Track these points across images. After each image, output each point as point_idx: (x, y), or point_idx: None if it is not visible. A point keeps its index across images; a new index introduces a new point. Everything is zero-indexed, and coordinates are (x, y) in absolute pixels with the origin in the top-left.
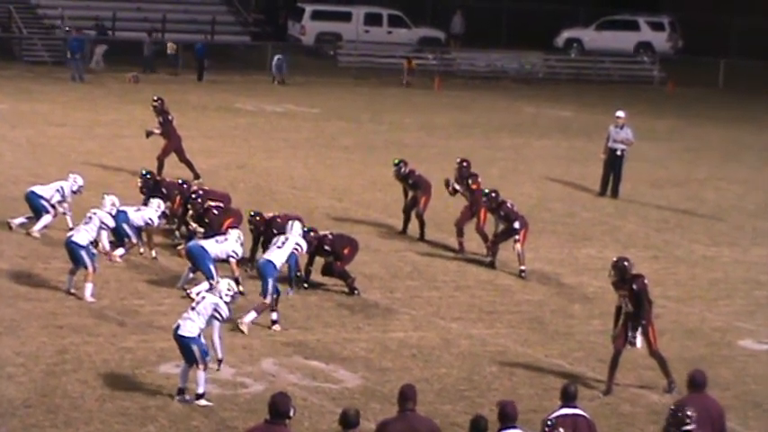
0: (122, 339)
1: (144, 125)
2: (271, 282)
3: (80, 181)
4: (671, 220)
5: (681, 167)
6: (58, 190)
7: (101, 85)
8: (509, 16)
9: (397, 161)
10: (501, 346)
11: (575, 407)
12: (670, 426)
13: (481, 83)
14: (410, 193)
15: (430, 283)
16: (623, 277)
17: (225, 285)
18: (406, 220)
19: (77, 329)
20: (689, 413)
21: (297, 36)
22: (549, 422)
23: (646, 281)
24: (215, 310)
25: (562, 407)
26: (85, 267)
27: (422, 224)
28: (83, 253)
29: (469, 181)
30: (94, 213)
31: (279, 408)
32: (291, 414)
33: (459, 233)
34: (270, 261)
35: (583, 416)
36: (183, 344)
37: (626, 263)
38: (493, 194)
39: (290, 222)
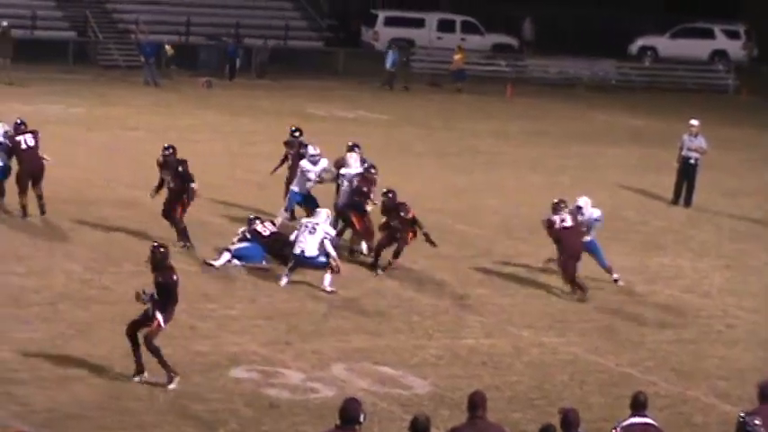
0: (193, 343)
1: (217, 130)
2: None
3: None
4: (744, 229)
5: (755, 176)
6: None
7: (174, 90)
8: (582, 23)
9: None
10: (572, 355)
11: (644, 416)
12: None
13: (553, 90)
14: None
15: (501, 291)
16: None
17: None
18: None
19: None
20: (756, 422)
21: (370, 42)
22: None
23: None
24: None
25: (632, 416)
26: (324, 267)
27: None
28: (320, 260)
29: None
30: (317, 224)
31: (349, 413)
32: (362, 420)
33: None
34: None
35: (653, 425)
36: None
37: None
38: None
39: None
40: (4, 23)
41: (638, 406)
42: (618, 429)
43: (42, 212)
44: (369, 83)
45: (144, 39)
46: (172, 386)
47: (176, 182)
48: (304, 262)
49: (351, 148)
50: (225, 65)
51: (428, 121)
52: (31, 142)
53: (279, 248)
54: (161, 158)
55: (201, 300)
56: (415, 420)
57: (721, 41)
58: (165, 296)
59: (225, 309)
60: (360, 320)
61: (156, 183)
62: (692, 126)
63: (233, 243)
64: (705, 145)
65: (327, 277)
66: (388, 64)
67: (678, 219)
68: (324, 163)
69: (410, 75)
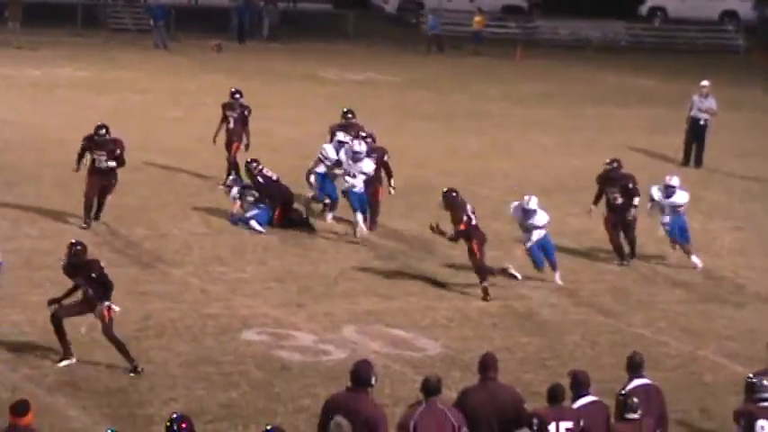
0: (205, 306)
1: (226, 93)
2: None
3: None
4: (755, 190)
5: (766, 137)
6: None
7: (184, 54)
8: None
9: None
10: (583, 316)
11: (643, 377)
12: (746, 395)
13: (563, 52)
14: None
15: (511, 252)
16: None
17: None
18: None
19: (161, 296)
20: (765, 383)
21: (380, 4)
22: (622, 393)
23: None
24: None
25: (631, 378)
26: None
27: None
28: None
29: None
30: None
31: (361, 375)
32: (373, 382)
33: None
34: None
35: (654, 386)
36: None
37: None
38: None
39: None
40: None
41: (636, 367)
42: (623, 394)
43: None
44: (378, 45)
45: (153, 1)
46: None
47: (113, 163)
48: None
49: (345, 115)
50: (259, 26)
51: (438, 83)
52: None
53: (288, 197)
54: (96, 138)
55: (213, 263)
56: (427, 382)
57: (731, 1)
58: (104, 287)
59: (236, 272)
60: (371, 283)
61: (80, 158)
62: (703, 87)
63: (241, 205)
64: (715, 106)
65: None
66: (431, 27)
67: (689, 180)
68: (367, 166)
69: (423, 37)
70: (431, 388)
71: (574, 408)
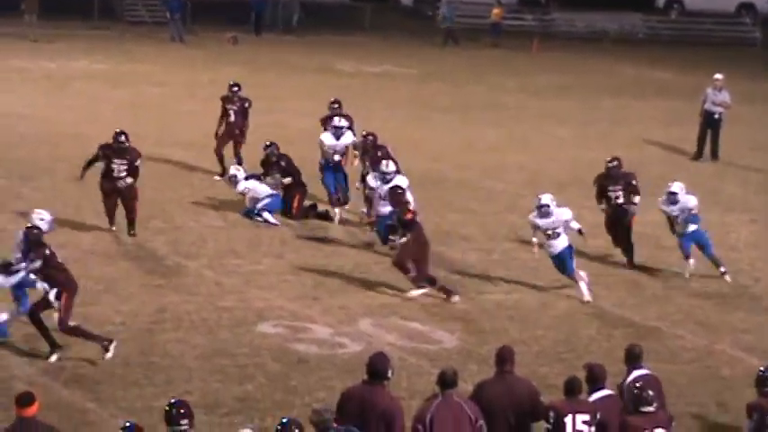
0: (220, 299)
1: (243, 86)
2: None
3: None
4: None
5: None
6: None
7: (200, 47)
8: None
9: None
10: (598, 309)
11: (642, 367)
12: (757, 388)
13: (580, 44)
14: None
15: (527, 245)
16: None
17: None
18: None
19: (176, 288)
20: None
21: None
22: (636, 386)
23: None
24: None
25: (630, 370)
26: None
27: None
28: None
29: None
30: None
31: (377, 368)
32: (390, 375)
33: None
34: None
35: (652, 375)
36: None
37: None
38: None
39: None
40: None
41: (635, 358)
42: (626, 386)
43: None
44: (395, 37)
45: None
46: (54, 358)
47: (129, 171)
48: None
49: (331, 105)
50: (275, 18)
51: (454, 75)
52: None
53: (304, 186)
54: (116, 146)
55: (228, 255)
56: (443, 375)
57: None
58: (46, 273)
59: (252, 264)
60: (386, 276)
61: (90, 165)
62: (717, 80)
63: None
64: (729, 99)
65: None
66: (445, 19)
67: (704, 172)
68: (401, 180)
69: (439, 29)
70: (447, 381)
71: (590, 401)
